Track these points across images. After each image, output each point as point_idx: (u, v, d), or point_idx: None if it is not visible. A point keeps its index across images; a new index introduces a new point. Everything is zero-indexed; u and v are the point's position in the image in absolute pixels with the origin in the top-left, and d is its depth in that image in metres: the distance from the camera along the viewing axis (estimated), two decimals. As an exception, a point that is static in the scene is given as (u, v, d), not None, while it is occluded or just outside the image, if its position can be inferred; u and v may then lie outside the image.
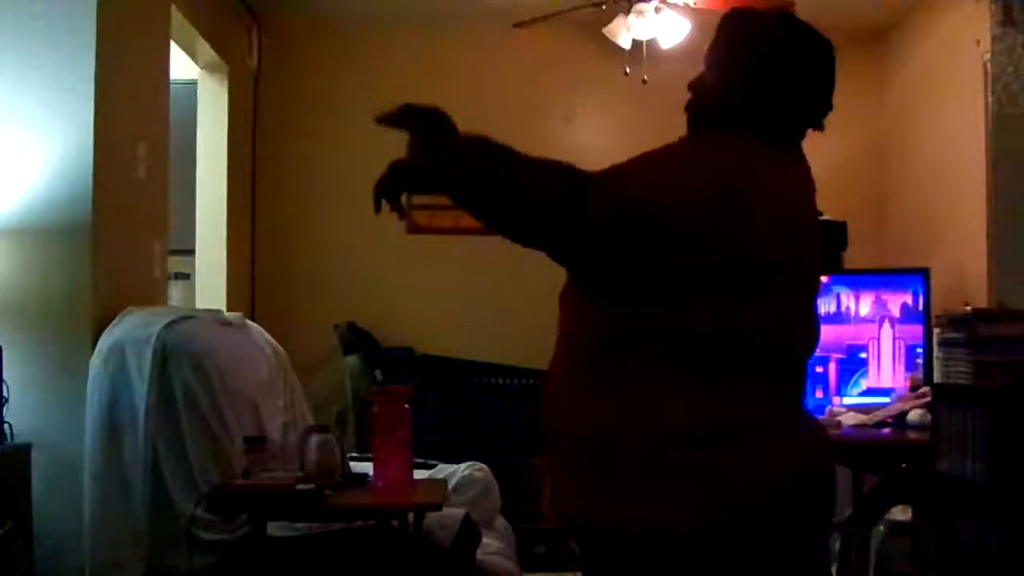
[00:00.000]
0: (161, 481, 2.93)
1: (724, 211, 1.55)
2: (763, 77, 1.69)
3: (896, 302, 3.80)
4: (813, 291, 1.74)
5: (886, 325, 3.80)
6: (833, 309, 3.81)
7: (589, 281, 1.63)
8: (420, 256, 5.72)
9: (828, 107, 1.76)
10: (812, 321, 1.72)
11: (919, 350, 3.76)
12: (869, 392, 3.76)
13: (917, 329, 3.76)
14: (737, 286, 1.56)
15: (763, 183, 1.63)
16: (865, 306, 3.83)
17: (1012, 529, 2.37)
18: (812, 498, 1.63)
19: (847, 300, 3.84)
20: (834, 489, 1.70)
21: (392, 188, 1.63)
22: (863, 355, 3.79)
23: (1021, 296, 3.27)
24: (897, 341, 3.78)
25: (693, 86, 1.78)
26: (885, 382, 3.78)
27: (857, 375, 3.79)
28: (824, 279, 3.17)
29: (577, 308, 1.68)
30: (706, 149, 1.66)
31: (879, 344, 3.80)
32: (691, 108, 1.77)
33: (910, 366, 3.75)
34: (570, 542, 4.22)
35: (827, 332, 3.72)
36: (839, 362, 3.76)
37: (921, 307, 3.77)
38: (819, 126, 1.75)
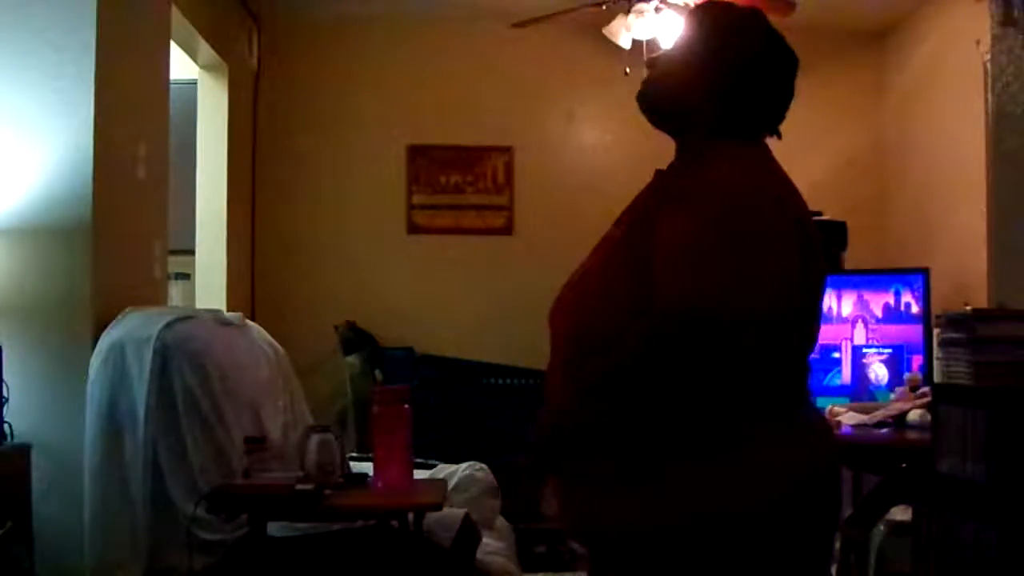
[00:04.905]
0: (161, 481, 2.93)
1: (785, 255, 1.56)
2: (732, 88, 1.70)
3: (879, 302, 3.82)
4: (820, 288, 1.74)
5: (859, 325, 3.82)
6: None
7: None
8: (420, 256, 5.73)
9: (780, 117, 1.76)
10: (816, 318, 1.73)
11: (865, 350, 3.79)
12: (843, 390, 3.79)
13: (901, 329, 3.78)
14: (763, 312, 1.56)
15: (791, 197, 1.65)
16: (847, 306, 3.86)
17: (1012, 529, 2.37)
18: (818, 499, 1.63)
19: (829, 300, 3.87)
20: (839, 490, 1.70)
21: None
22: (836, 355, 3.82)
23: (1021, 296, 3.27)
24: (870, 341, 3.81)
25: (651, 64, 1.79)
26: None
27: (831, 375, 3.82)
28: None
29: (580, 317, 1.67)
30: (722, 180, 1.64)
31: (852, 344, 3.83)
32: (647, 98, 1.77)
33: (856, 366, 3.79)
34: (570, 542, 4.22)
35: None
36: (812, 362, 3.78)
37: (904, 307, 3.79)
38: (773, 132, 1.76)
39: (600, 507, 1.60)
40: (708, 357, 1.50)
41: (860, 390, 3.81)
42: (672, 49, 1.78)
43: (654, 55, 1.81)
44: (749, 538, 1.54)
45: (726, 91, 1.70)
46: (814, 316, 1.71)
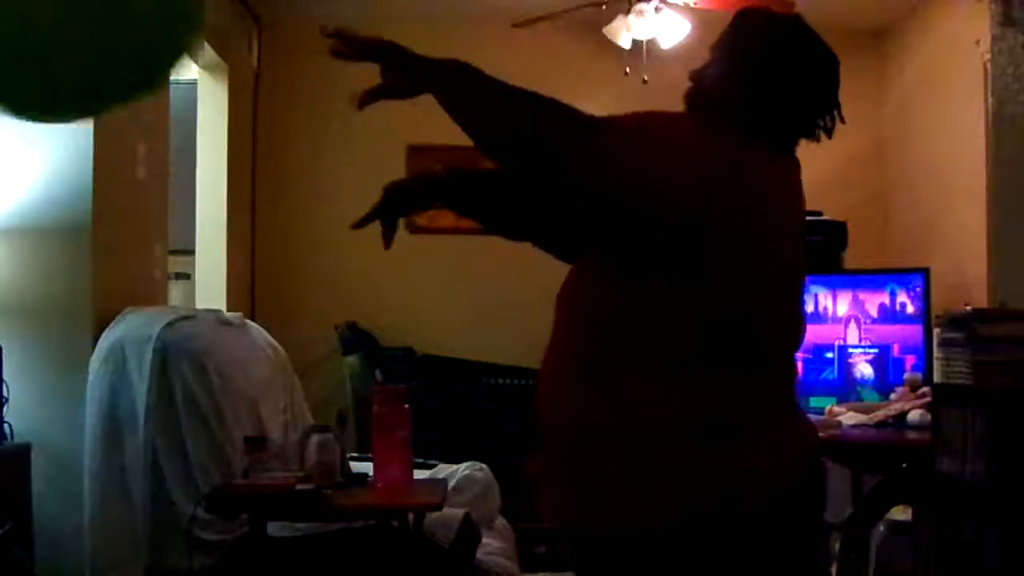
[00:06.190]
0: (161, 481, 2.93)
1: (727, 187, 1.57)
2: (761, 78, 1.70)
3: (874, 302, 3.83)
4: (802, 287, 1.75)
5: (852, 325, 3.83)
6: (810, 308, 3.85)
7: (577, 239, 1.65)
8: (420, 256, 5.72)
9: (825, 117, 1.77)
10: (801, 317, 1.73)
11: (851, 350, 3.80)
12: (831, 387, 3.80)
13: (895, 329, 3.79)
14: (736, 275, 1.57)
15: (758, 171, 1.65)
16: (842, 306, 3.86)
17: (1012, 529, 2.37)
18: (805, 496, 1.64)
19: (824, 300, 3.87)
20: (825, 486, 1.70)
21: (388, 210, 1.80)
22: (829, 355, 3.83)
23: (1021, 296, 3.27)
24: (863, 341, 3.82)
25: (694, 76, 1.79)
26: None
27: (824, 373, 3.83)
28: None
29: (572, 308, 1.68)
30: (712, 129, 1.67)
31: (840, 344, 3.84)
32: (690, 98, 1.78)
33: (842, 365, 3.80)
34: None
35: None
36: (805, 362, 3.78)
37: (899, 307, 3.80)
38: (813, 136, 1.76)
39: (585, 504, 1.60)
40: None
41: (847, 388, 3.82)
42: (712, 61, 1.78)
43: (695, 70, 1.80)
44: (742, 536, 1.55)
45: (766, 99, 1.70)
46: (796, 313, 1.72)
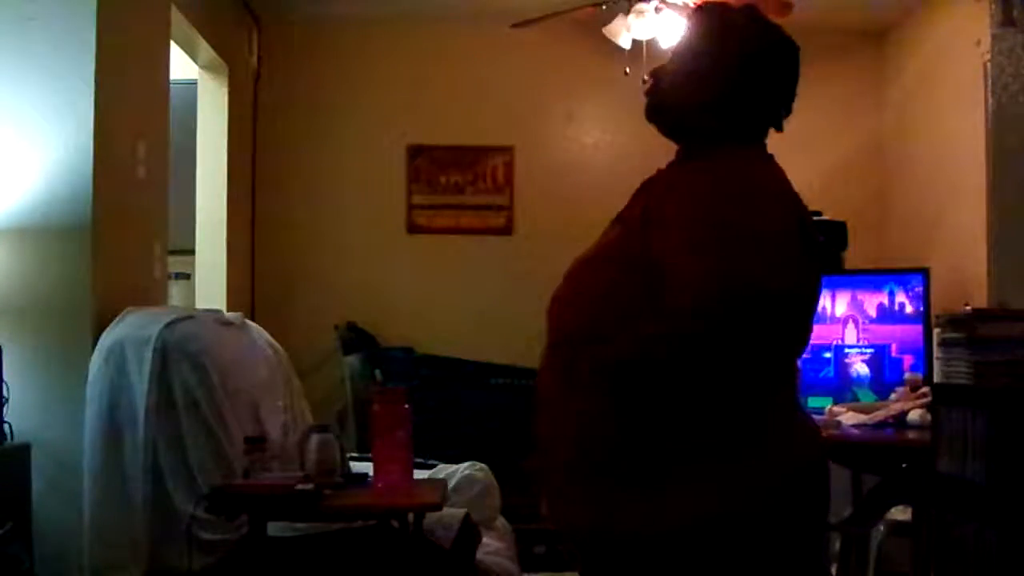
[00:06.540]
0: (161, 481, 2.93)
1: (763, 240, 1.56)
2: (740, 88, 1.70)
3: (873, 302, 3.83)
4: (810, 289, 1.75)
5: (850, 325, 3.83)
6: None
7: None
8: (420, 256, 5.73)
9: (788, 108, 1.77)
10: (812, 321, 1.73)
11: (847, 350, 3.80)
12: (827, 386, 3.80)
13: (894, 329, 3.79)
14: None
15: (779, 196, 1.65)
16: (841, 306, 3.86)
17: (1012, 529, 2.37)
18: (809, 495, 1.64)
19: (824, 300, 3.88)
20: (828, 488, 1.71)
21: None
22: (827, 355, 3.83)
23: (1021, 296, 3.27)
24: (861, 341, 3.83)
25: (655, 74, 1.79)
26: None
27: (820, 374, 3.83)
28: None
29: (578, 311, 1.68)
30: (716, 180, 1.65)
31: (837, 344, 3.85)
32: (651, 95, 1.78)
33: (838, 365, 3.81)
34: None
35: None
36: (803, 361, 3.78)
37: (898, 307, 3.80)
38: (779, 126, 1.77)
39: (592, 509, 1.60)
40: (725, 355, 1.51)
41: (843, 388, 3.83)
42: (673, 58, 1.78)
43: (657, 67, 1.81)
44: (746, 538, 1.54)
45: (730, 93, 1.70)
46: (811, 315, 1.72)
